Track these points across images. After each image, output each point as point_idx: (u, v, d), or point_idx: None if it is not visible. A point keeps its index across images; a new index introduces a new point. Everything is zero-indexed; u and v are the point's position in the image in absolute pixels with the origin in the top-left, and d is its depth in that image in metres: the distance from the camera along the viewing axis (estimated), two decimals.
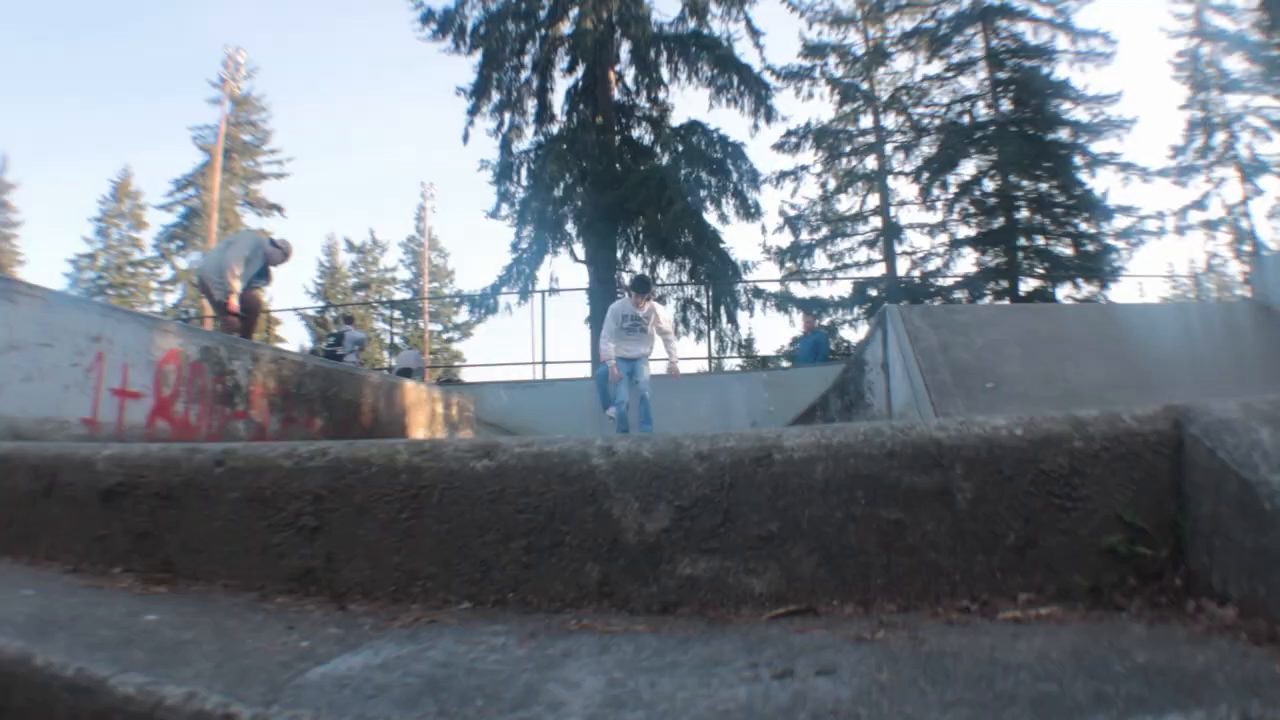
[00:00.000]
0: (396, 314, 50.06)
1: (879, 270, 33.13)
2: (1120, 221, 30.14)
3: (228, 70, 47.62)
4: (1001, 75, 31.74)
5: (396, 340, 45.07)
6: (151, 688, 1.48)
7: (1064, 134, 30.94)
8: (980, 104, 32.26)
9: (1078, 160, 30.65)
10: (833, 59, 33.73)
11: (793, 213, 33.56)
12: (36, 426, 6.39)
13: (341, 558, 2.15)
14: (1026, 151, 30.01)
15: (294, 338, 44.23)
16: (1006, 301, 28.31)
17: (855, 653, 1.57)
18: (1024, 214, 30.92)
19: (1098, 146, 30.81)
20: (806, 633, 1.70)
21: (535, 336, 21.77)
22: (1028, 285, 30.08)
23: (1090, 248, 29.94)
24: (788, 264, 32.91)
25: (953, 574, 1.81)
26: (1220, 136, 36.20)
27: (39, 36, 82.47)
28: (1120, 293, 29.49)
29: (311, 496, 2.21)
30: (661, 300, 23.09)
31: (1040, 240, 30.96)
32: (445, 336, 51.38)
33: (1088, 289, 29.35)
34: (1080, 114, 31.06)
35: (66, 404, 6.90)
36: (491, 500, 2.05)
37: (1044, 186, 30.72)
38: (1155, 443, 1.83)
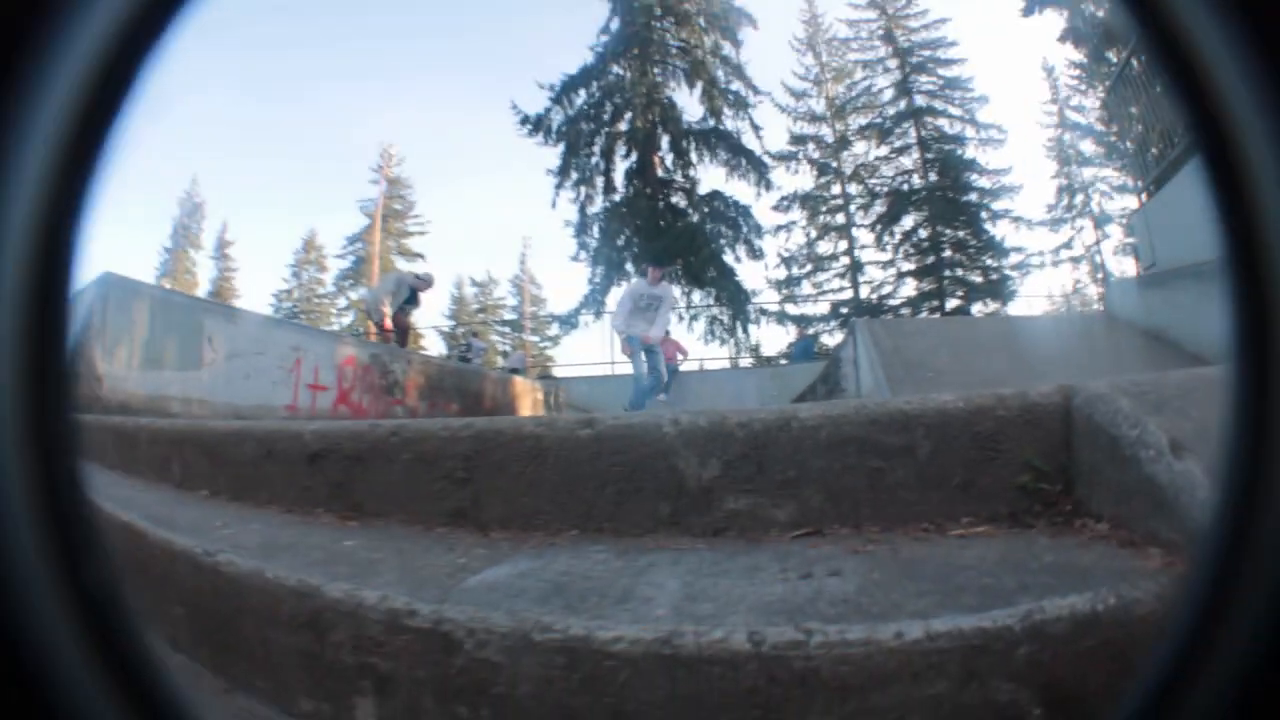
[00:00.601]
0: (506, 329, 50.47)
1: (848, 294, 33.72)
2: (1014, 258, 31.51)
3: (384, 159, 48.32)
4: (929, 155, 32.74)
5: (506, 348, 45.37)
6: (354, 592, 1.51)
7: (974, 196, 31.84)
8: (915, 176, 33.10)
9: (984, 215, 31.57)
10: (811, 145, 34.71)
11: (786, 254, 34.51)
12: (253, 411, 6.54)
13: (484, 500, 2.17)
14: (948, 209, 31.23)
15: (434, 348, 44.69)
16: (938, 316, 28.59)
17: (853, 560, 1.58)
18: (947, 253, 31.81)
19: (997, 205, 31.79)
20: (817, 548, 1.71)
21: (606, 344, 22.17)
22: (951, 304, 30.61)
23: (994, 277, 30.87)
24: (784, 291, 33.65)
25: (917, 505, 1.82)
26: (1080, 197, 37.42)
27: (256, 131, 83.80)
28: (1016, 308, 29.86)
29: (462, 457, 2.22)
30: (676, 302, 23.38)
31: (959, 272, 31.73)
32: (541, 345, 51.43)
33: (993, 306, 30.21)
34: (984, 182, 32.18)
35: (274, 395, 7.06)
36: (591, 459, 2.06)
37: (961, 234, 31.66)
38: (1052, 411, 1.84)
